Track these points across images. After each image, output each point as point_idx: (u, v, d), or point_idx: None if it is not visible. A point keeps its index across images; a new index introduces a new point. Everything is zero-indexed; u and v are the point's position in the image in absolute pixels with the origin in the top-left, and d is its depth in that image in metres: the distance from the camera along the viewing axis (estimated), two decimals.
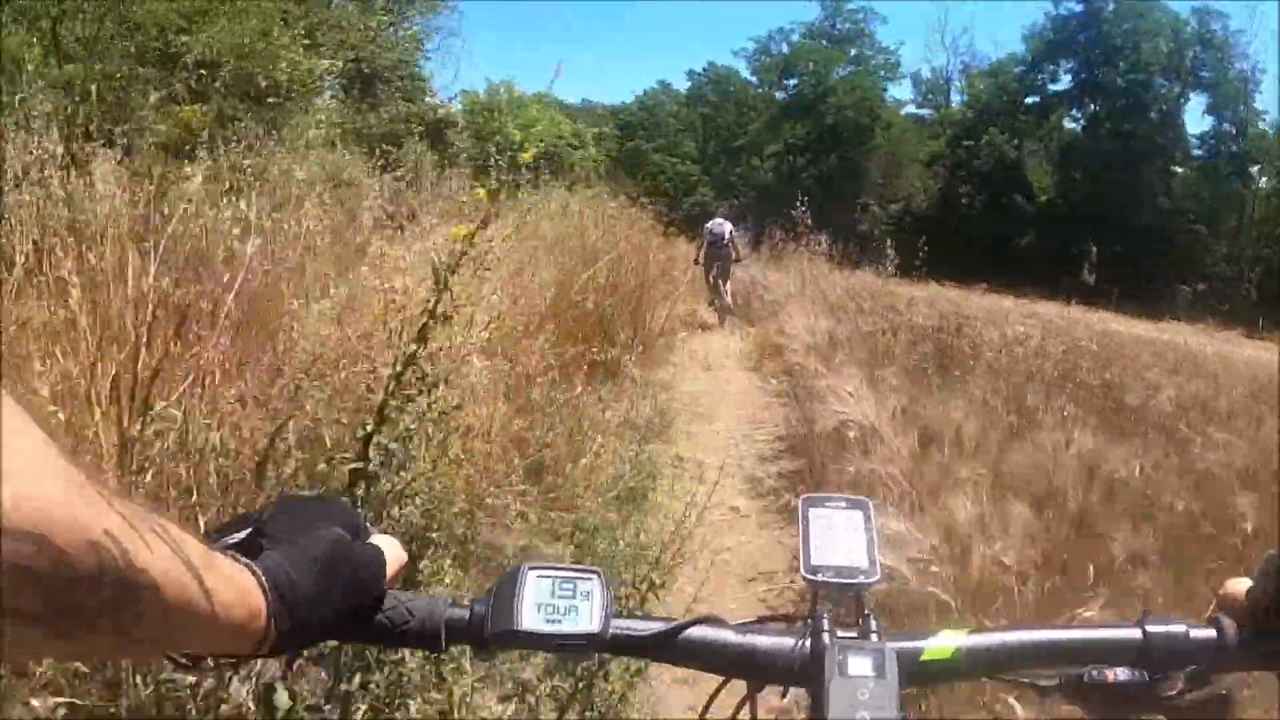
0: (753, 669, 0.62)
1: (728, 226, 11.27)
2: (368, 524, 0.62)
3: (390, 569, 0.59)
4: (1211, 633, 0.58)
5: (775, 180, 39.23)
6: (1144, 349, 10.49)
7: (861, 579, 0.63)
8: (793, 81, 41.36)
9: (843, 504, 0.68)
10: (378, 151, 9.15)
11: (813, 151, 37.56)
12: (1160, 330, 16.78)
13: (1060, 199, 35.74)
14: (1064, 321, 12.68)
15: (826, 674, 0.56)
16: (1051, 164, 37.92)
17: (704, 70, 47.59)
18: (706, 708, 0.71)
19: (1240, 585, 0.59)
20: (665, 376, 7.11)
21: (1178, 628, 0.59)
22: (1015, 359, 6.79)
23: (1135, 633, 0.59)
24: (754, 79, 46.12)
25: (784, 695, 0.64)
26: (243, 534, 0.54)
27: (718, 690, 0.68)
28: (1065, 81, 38.32)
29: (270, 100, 8.33)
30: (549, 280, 5.24)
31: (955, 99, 42.93)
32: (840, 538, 0.65)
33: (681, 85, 49.33)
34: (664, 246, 11.18)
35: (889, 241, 15.87)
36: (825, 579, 0.63)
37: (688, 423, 5.87)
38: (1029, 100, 39.18)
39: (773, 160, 39.89)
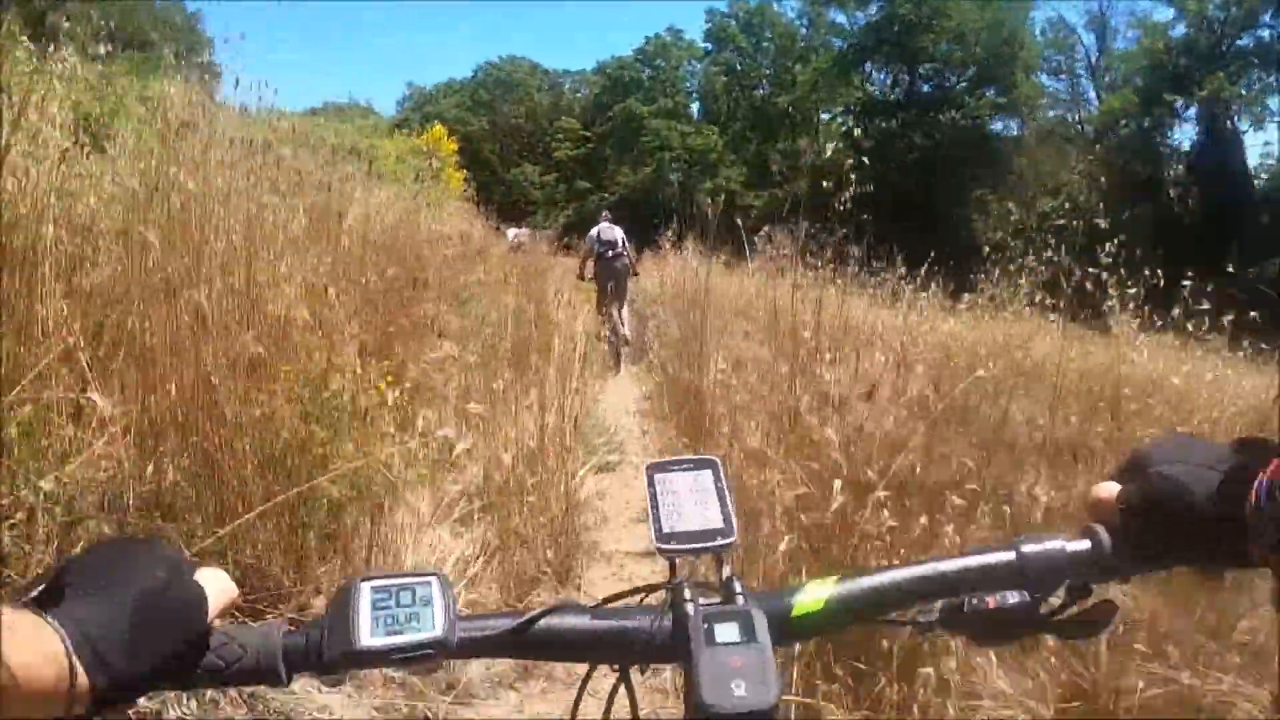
0: (616, 651, 0.59)
1: (619, 231, 8.89)
2: (192, 559, 0.58)
3: (216, 604, 0.56)
4: (1086, 544, 0.58)
5: (840, 159, 25.74)
6: None
7: (719, 540, 0.61)
8: (861, 17, 27.36)
9: (689, 465, 0.65)
10: None
11: (907, 111, 23.42)
12: None
13: None
14: None
15: (694, 645, 0.54)
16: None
17: (729, 9, 33.77)
18: (578, 700, 0.64)
19: (1109, 490, 0.59)
20: None
21: (1053, 544, 0.59)
22: None
23: (1010, 555, 0.59)
24: (802, 21, 32.23)
25: (642, 671, 0.61)
26: (41, 586, 0.49)
27: (586, 678, 0.63)
28: None
29: None
30: None
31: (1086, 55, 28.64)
32: (691, 501, 0.63)
33: (698, 32, 35.72)
34: None
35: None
36: (680, 545, 0.61)
37: None
38: (1242, 43, 25.13)
39: (840, 125, 25.66)
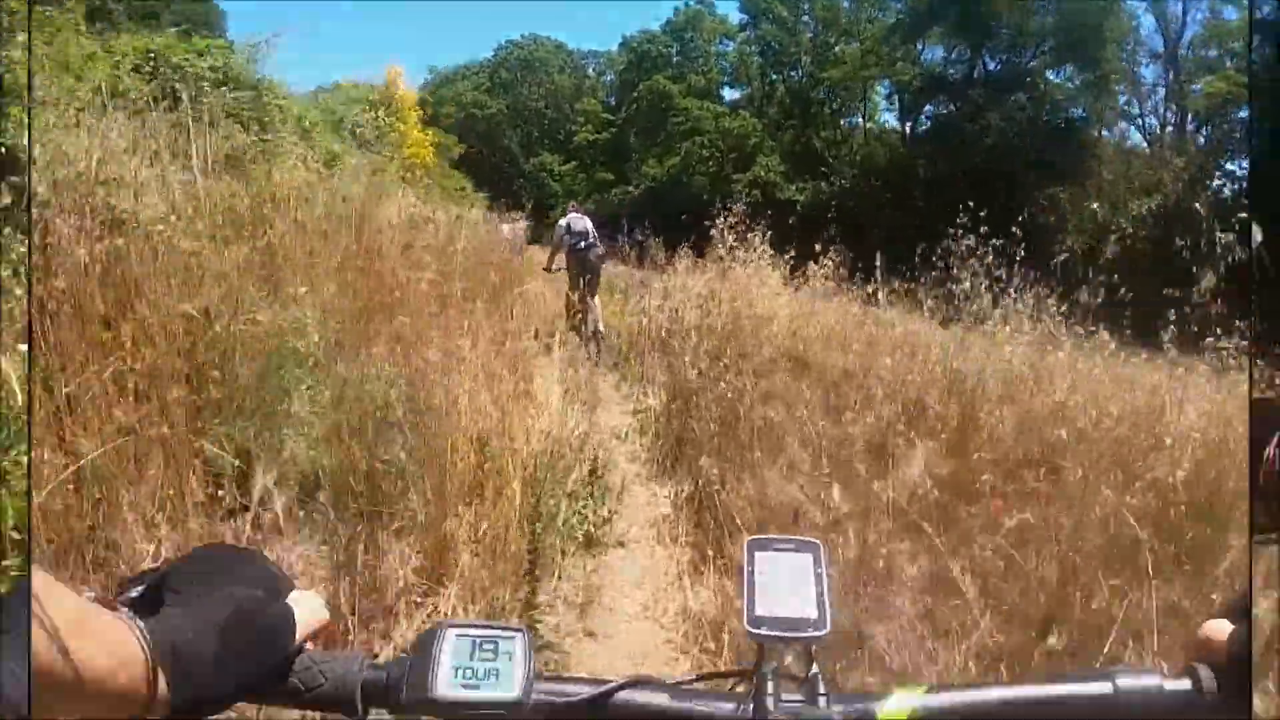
0: None
1: (589, 221, 8.96)
2: (289, 579, 0.58)
3: (305, 629, 0.57)
4: (1186, 684, 0.55)
5: (892, 146, 22.48)
6: None
7: (810, 631, 0.58)
8: None
9: (791, 546, 0.63)
10: None
11: (981, 92, 20.26)
12: None
13: None
14: None
15: None
16: None
17: None
18: None
19: (1220, 629, 0.54)
20: None
21: (1150, 680, 0.55)
22: None
23: (1105, 686, 0.56)
24: None
25: None
26: (141, 588, 0.52)
27: None
28: None
29: None
30: None
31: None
32: (787, 585, 0.61)
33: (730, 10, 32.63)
34: None
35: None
36: (770, 632, 0.59)
37: None
38: None
39: (896, 103, 22.62)
